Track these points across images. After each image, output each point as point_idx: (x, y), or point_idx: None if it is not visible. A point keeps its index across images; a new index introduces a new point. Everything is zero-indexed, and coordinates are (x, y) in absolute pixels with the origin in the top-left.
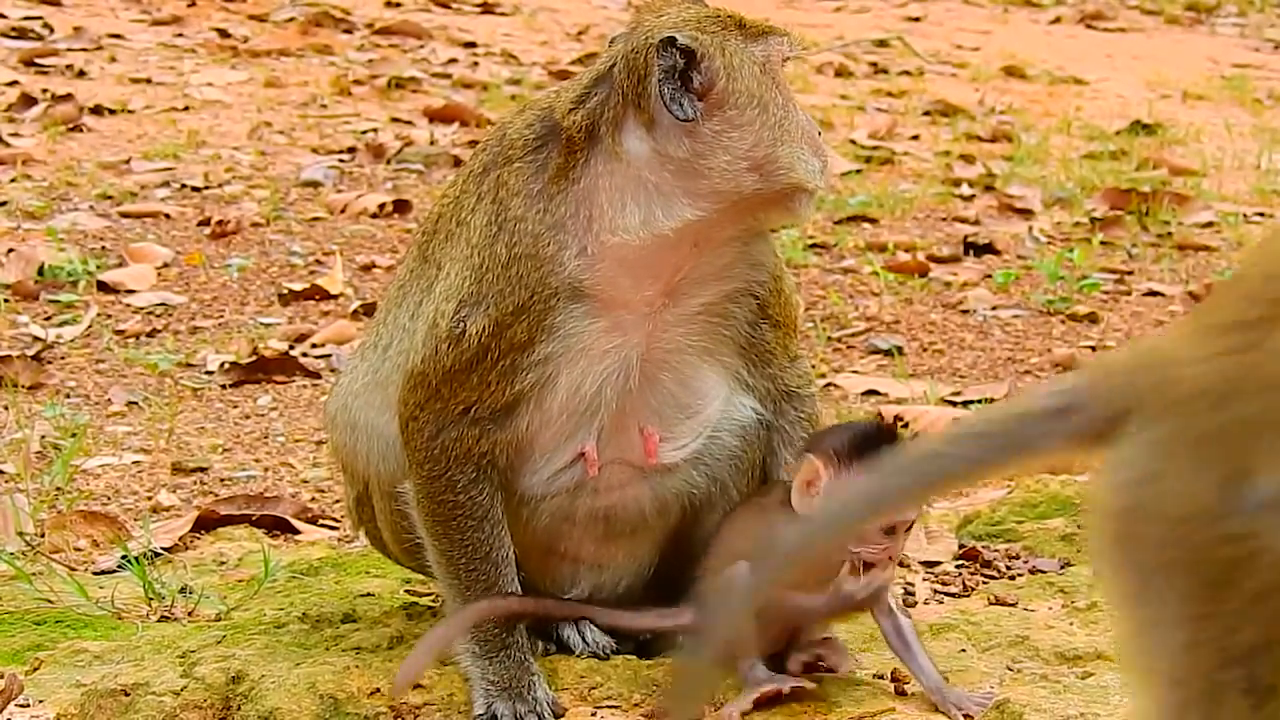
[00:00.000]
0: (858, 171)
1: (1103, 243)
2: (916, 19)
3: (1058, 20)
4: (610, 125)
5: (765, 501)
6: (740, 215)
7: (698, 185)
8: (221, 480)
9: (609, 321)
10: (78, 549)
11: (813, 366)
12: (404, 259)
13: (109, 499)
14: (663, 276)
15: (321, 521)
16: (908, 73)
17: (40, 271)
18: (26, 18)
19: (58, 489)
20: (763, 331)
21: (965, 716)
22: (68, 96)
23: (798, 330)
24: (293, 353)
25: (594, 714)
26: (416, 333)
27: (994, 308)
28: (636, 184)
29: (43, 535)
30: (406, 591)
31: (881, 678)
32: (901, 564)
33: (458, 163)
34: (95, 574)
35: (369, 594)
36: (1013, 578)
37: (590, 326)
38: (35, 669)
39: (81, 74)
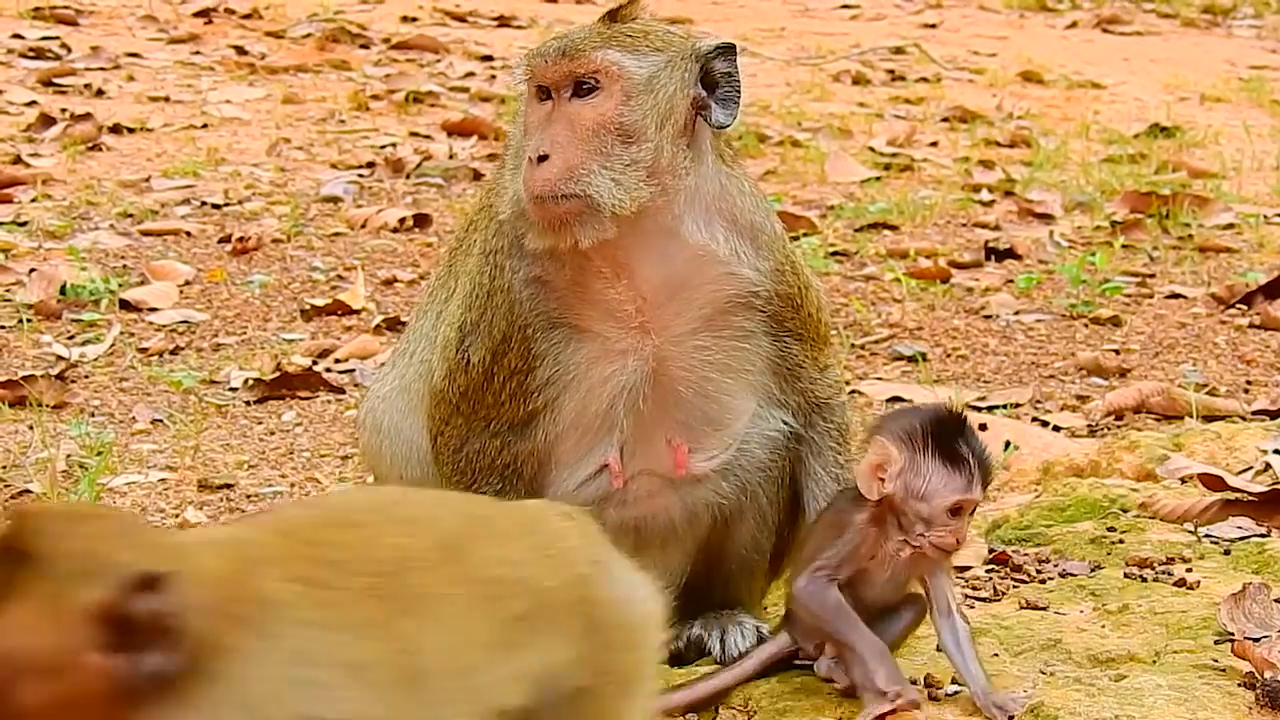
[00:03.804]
0: (877, 179)
1: (1124, 246)
2: (933, 26)
3: (1074, 25)
4: None
5: (840, 504)
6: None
7: None
8: (248, 496)
9: (598, 348)
10: None
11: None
12: (439, 262)
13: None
14: (613, 302)
15: None
16: (925, 79)
17: (62, 291)
18: (44, 38)
19: None
20: (787, 345)
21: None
22: (86, 116)
23: (828, 342)
24: (316, 368)
25: None
26: (435, 346)
27: (1016, 313)
28: None
29: None
30: None
31: (915, 682)
32: None
33: (477, 176)
34: None
35: None
36: (1043, 581)
37: (579, 353)
38: None
39: (100, 93)
